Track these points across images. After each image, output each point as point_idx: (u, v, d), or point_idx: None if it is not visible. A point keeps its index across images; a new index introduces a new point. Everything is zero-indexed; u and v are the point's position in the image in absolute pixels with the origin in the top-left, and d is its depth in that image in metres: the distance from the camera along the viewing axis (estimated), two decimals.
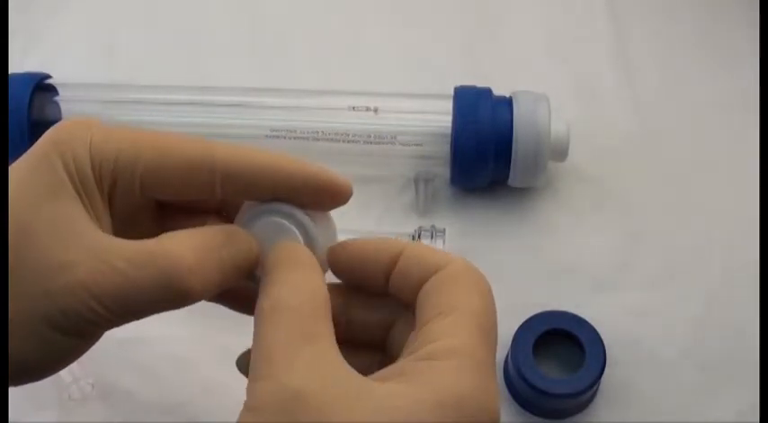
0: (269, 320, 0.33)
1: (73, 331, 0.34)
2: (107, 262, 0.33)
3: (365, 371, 0.33)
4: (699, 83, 0.62)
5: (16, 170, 0.35)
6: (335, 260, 0.37)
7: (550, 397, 0.49)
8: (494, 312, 0.35)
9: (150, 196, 0.37)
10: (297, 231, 0.37)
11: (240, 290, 0.38)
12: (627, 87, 0.62)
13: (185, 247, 0.34)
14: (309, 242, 0.37)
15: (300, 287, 0.34)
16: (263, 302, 0.34)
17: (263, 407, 0.31)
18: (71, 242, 0.34)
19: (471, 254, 0.57)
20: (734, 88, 0.61)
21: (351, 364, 0.33)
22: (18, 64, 0.62)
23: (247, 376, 0.35)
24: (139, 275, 0.33)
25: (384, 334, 0.38)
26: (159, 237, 0.35)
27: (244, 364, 0.37)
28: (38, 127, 0.56)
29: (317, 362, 0.32)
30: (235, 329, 0.52)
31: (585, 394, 0.50)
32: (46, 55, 0.65)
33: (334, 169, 0.37)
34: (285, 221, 0.37)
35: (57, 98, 0.57)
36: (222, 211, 0.40)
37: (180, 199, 0.37)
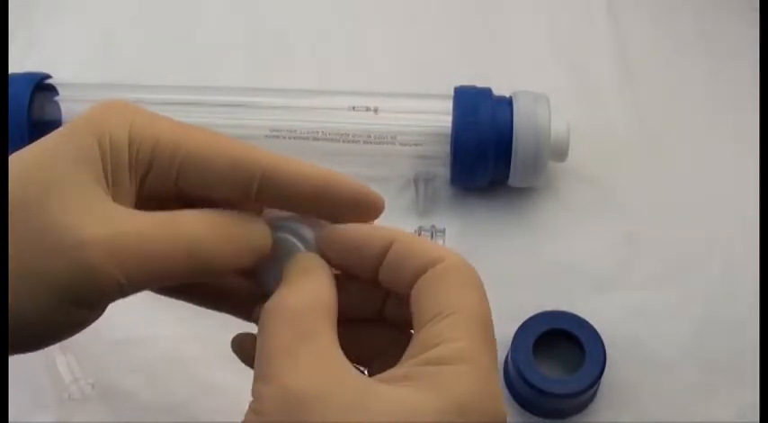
0: (271, 321, 0.33)
1: (86, 301, 0.33)
2: (129, 225, 0.33)
3: (365, 350, 0.33)
4: (699, 83, 0.62)
5: (50, 136, 0.34)
6: (326, 247, 0.37)
7: (550, 397, 0.49)
8: (489, 310, 0.35)
9: (183, 187, 0.36)
10: (301, 244, 0.37)
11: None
12: (627, 87, 0.62)
13: (208, 217, 0.34)
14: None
15: (304, 289, 0.34)
16: (267, 304, 0.34)
17: (268, 411, 0.31)
18: (92, 210, 0.33)
19: (471, 254, 0.57)
20: (734, 88, 0.61)
21: (350, 343, 0.33)
22: (18, 64, 0.62)
23: (243, 361, 0.36)
24: (161, 238, 0.33)
25: (378, 312, 0.38)
26: (172, 211, 0.35)
27: (237, 346, 0.37)
28: (38, 127, 0.56)
29: (319, 361, 0.32)
30: (235, 329, 0.52)
31: (585, 394, 0.50)
32: (46, 55, 0.65)
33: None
34: (294, 241, 0.37)
35: (57, 98, 0.57)
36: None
37: (213, 195, 0.36)
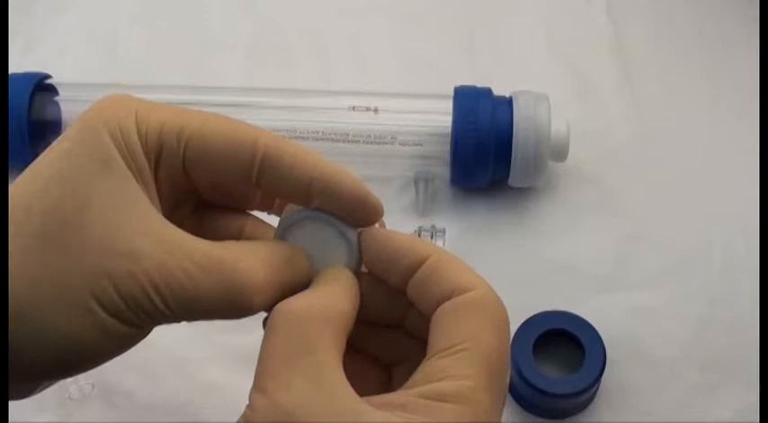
0: (275, 325, 0.33)
1: (127, 319, 0.33)
2: (176, 259, 0.33)
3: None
4: (698, 83, 0.62)
5: (60, 143, 0.34)
6: (364, 247, 0.36)
7: (550, 397, 0.49)
8: (507, 351, 0.34)
9: (191, 172, 0.35)
10: (344, 245, 0.36)
11: None
12: (627, 87, 0.62)
13: (257, 263, 0.34)
14: (354, 257, 0.36)
15: (314, 300, 0.34)
16: (278, 305, 0.34)
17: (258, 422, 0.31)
18: (136, 226, 0.33)
19: (471, 254, 0.57)
20: (734, 88, 0.61)
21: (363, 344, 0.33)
22: (18, 64, 0.62)
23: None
24: (207, 282, 0.33)
25: (401, 320, 0.37)
26: (225, 243, 0.34)
27: None
28: (38, 127, 0.56)
29: (315, 377, 0.31)
30: (235, 329, 0.53)
31: (585, 394, 0.50)
32: (46, 55, 0.65)
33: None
34: (331, 231, 0.36)
35: (57, 98, 0.57)
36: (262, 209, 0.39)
37: (218, 178, 0.36)
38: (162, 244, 0.33)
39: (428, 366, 0.33)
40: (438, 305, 0.34)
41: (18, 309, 0.32)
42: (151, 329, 0.35)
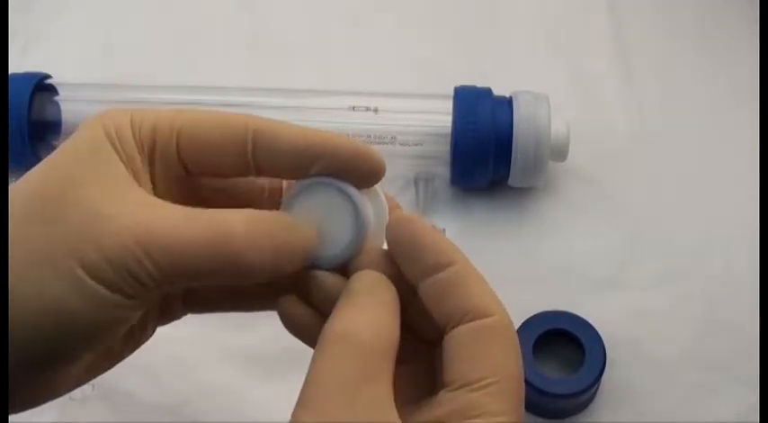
0: (335, 348, 0.32)
1: (118, 286, 0.32)
2: (159, 215, 0.33)
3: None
4: (699, 83, 0.62)
5: (62, 145, 0.35)
6: (389, 227, 0.36)
7: (550, 397, 0.49)
8: (522, 374, 0.34)
9: (187, 161, 0.36)
10: (349, 207, 0.36)
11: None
12: (627, 87, 0.62)
13: (237, 215, 0.34)
14: (360, 218, 0.36)
15: (376, 322, 0.33)
16: (335, 325, 0.33)
17: None
18: (120, 195, 0.33)
19: (471, 254, 0.57)
20: (734, 88, 0.61)
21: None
22: (18, 64, 0.62)
23: (287, 326, 0.36)
24: (191, 231, 0.33)
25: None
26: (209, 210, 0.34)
27: (284, 309, 0.36)
28: (38, 127, 0.56)
29: (375, 408, 0.31)
30: (235, 329, 0.53)
31: (585, 394, 0.50)
32: (46, 55, 0.65)
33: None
34: (334, 194, 0.35)
35: (57, 98, 0.57)
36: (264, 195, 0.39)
37: (214, 162, 0.36)
38: (143, 204, 0.33)
39: (460, 400, 0.33)
40: (451, 318, 0.34)
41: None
42: (144, 305, 0.34)
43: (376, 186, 0.37)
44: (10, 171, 0.52)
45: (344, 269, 0.36)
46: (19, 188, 0.34)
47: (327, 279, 0.36)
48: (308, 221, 0.36)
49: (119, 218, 0.32)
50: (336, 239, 0.36)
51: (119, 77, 0.62)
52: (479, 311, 0.34)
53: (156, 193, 0.36)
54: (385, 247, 0.36)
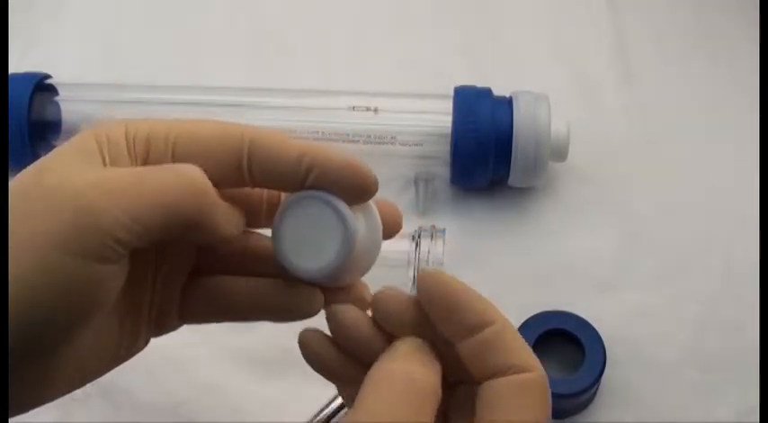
0: (393, 390, 0.33)
1: (87, 252, 0.31)
2: (120, 168, 0.33)
3: None
4: (698, 83, 0.62)
5: (51, 152, 0.35)
6: (423, 288, 0.36)
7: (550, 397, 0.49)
8: None
9: None
10: (337, 221, 0.35)
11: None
12: (627, 87, 0.62)
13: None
14: (348, 232, 0.35)
15: (429, 371, 0.34)
16: (391, 366, 0.34)
17: None
18: (90, 169, 0.33)
19: (471, 254, 0.57)
20: (734, 88, 0.61)
21: None
22: (18, 64, 0.62)
23: (306, 357, 0.36)
24: (155, 173, 0.33)
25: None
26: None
27: (305, 341, 0.37)
28: (38, 127, 0.56)
29: None
30: (234, 330, 0.52)
31: (585, 394, 0.50)
32: (46, 55, 0.65)
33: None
34: (325, 209, 0.35)
35: (57, 98, 0.57)
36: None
37: (210, 173, 0.35)
38: (110, 170, 0.33)
39: None
40: (491, 374, 0.34)
41: None
42: (123, 271, 0.33)
43: (369, 201, 0.37)
44: (10, 171, 0.52)
45: (335, 282, 0.37)
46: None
47: (348, 314, 0.36)
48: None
49: (84, 180, 0.32)
50: (324, 252, 0.36)
51: (119, 77, 0.62)
52: (521, 367, 0.34)
53: None
54: (410, 291, 0.37)
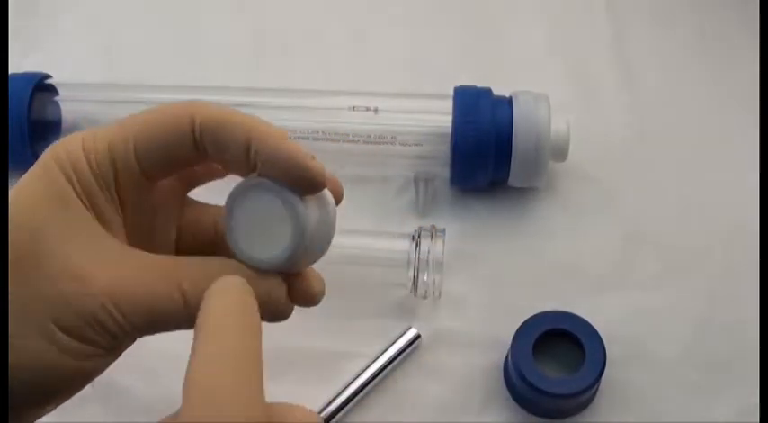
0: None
1: (90, 339, 0.34)
2: (124, 268, 0.34)
3: None
4: (698, 83, 0.62)
5: (21, 183, 0.36)
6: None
7: (550, 397, 0.49)
8: None
9: (147, 168, 0.36)
10: (287, 211, 0.35)
11: None
12: (627, 87, 0.62)
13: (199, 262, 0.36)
14: (299, 223, 0.35)
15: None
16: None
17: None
18: (89, 251, 0.34)
19: (471, 254, 0.57)
20: (733, 88, 0.61)
21: None
22: (18, 64, 0.62)
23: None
24: (159, 286, 0.35)
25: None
26: (178, 257, 0.36)
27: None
28: (38, 127, 0.56)
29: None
30: None
31: (585, 394, 0.50)
32: (46, 55, 0.65)
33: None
34: (275, 200, 0.35)
35: (57, 98, 0.57)
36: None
37: (170, 158, 0.36)
38: (111, 258, 0.35)
39: None
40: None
41: None
42: (121, 349, 0.36)
43: (324, 192, 0.37)
44: (10, 171, 0.52)
45: (287, 270, 0.37)
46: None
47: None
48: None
49: (89, 278, 0.34)
50: (275, 243, 0.36)
51: (119, 77, 0.62)
52: None
53: (127, 217, 0.37)
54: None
